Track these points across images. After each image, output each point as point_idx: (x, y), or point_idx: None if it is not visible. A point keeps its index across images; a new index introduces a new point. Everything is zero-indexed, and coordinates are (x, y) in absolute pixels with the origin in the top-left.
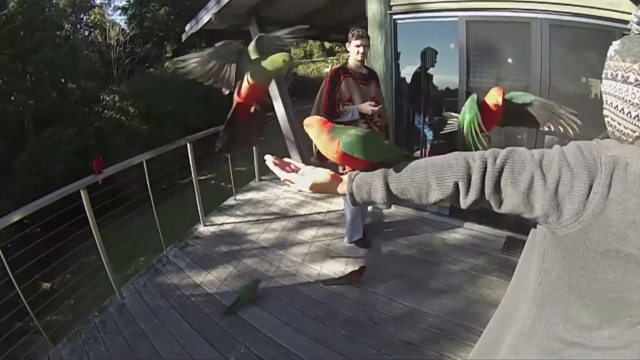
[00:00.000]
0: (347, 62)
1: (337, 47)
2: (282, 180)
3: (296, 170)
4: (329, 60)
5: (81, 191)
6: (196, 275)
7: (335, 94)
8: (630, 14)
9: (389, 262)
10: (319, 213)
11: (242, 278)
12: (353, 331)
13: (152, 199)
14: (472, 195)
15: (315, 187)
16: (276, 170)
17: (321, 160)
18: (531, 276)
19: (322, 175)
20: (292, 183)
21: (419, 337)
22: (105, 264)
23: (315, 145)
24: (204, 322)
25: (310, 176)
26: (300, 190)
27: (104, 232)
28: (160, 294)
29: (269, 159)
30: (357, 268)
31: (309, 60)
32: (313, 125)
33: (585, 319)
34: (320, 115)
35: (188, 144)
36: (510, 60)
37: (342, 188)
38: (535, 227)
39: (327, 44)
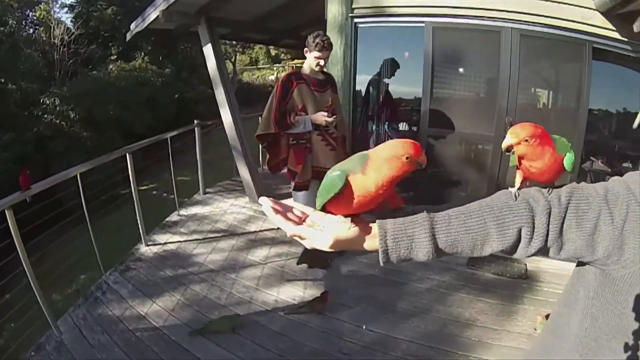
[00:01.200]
0: (301, 67)
1: (282, 55)
2: (289, 235)
3: (304, 218)
4: (275, 68)
5: (6, 212)
6: (140, 305)
7: (287, 102)
8: (602, 28)
9: (352, 284)
10: (270, 230)
11: (191, 307)
12: None
13: (87, 217)
14: (537, 243)
15: (339, 245)
16: (278, 220)
17: (273, 172)
18: (573, 322)
19: (347, 228)
20: (304, 239)
21: None
22: (37, 296)
23: (269, 155)
24: None
25: (332, 231)
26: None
27: (42, 252)
28: (101, 329)
29: (266, 204)
30: (317, 292)
31: (254, 67)
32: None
33: None
34: (269, 126)
35: (127, 155)
36: (477, 69)
37: (372, 243)
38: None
39: (272, 51)
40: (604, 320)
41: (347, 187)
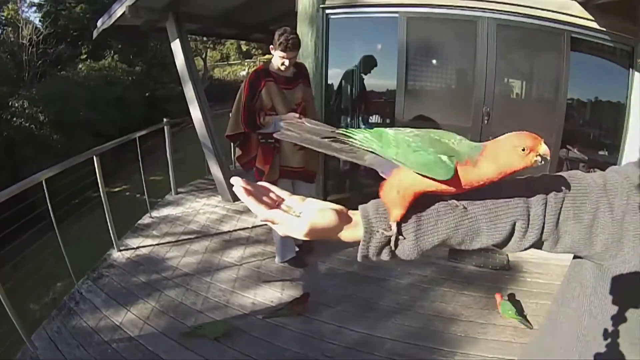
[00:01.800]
0: (269, 63)
1: (254, 50)
2: (261, 220)
3: (279, 202)
4: (246, 63)
5: None
6: (114, 314)
7: (255, 102)
8: (580, 17)
9: (331, 283)
10: (244, 229)
11: (167, 315)
12: None
13: (55, 225)
14: (532, 236)
15: (315, 233)
16: (250, 203)
17: (245, 169)
18: (571, 321)
19: (327, 215)
20: (276, 224)
21: None
22: (8, 311)
23: (241, 152)
24: None
25: (309, 217)
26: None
27: (13, 262)
28: (77, 342)
29: (238, 184)
30: (295, 293)
31: (225, 62)
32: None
33: None
34: (239, 126)
35: (94, 157)
36: (453, 60)
37: (352, 233)
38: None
39: (244, 47)
40: (602, 318)
41: (453, 176)
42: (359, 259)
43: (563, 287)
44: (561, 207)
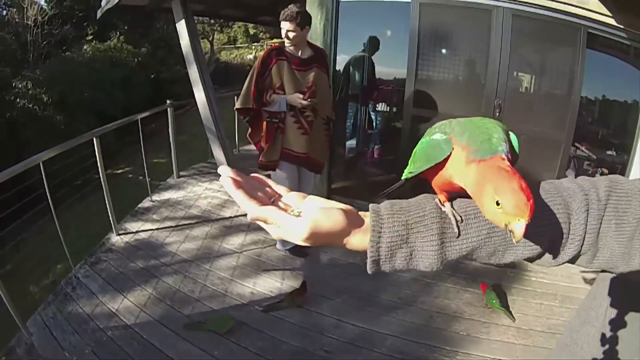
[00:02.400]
0: (284, 43)
1: (261, 34)
2: (250, 218)
3: (276, 198)
4: (253, 47)
5: None
6: (111, 300)
7: (265, 79)
8: (598, 13)
9: (332, 274)
10: (246, 215)
11: (164, 302)
12: None
13: (52, 208)
14: (572, 249)
15: (318, 237)
16: (239, 197)
17: (257, 148)
18: (594, 341)
19: (333, 215)
20: (270, 225)
21: None
22: (2, 295)
23: (251, 129)
24: None
25: (311, 217)
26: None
27: (11, 244)
28: (72, 328)
29: (225, 174)
30: (295, 283)
31: (233, 46)
32: None
33: None
34: (249, 101)
35: (94, 139)
36: (466, 49)
37: (363, 238)
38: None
39: (251, 30)
40: (629, 339)
41: (448, 158)
42: (369, 270)
43: (586, 304)
44: (603, 216)
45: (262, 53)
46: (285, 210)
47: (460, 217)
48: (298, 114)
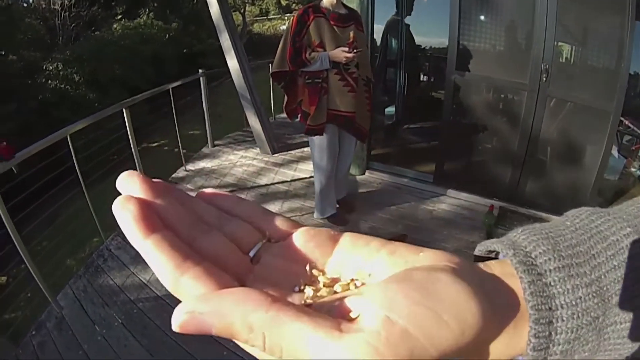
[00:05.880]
0: (320, 1)
1: (294, 5)
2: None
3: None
4: (286, 18)
5: None
6: (142, 272)
7: (302, 37)
8: None
9: None
10: (283, 182)
11: None
12: None
13: (81, 180)
14: None
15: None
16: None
17: (290, 117)
18: None
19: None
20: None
21: None
22: (31, 270)
23: (287, 97)
24: (154, 337)
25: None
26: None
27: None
28: (102, 301)
29: (126, 188)
30: None
31: (265, 17)
32: None
33: None
34: (284, 63)
35: (124, 110)
36: (510, 12)
37: (506, 343)
38: None
39: (283, 1)
40: None
41: None
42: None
43: None
44: None
45: (294, 14)
46: (316, 286)
47: None
48: (342, 70)
